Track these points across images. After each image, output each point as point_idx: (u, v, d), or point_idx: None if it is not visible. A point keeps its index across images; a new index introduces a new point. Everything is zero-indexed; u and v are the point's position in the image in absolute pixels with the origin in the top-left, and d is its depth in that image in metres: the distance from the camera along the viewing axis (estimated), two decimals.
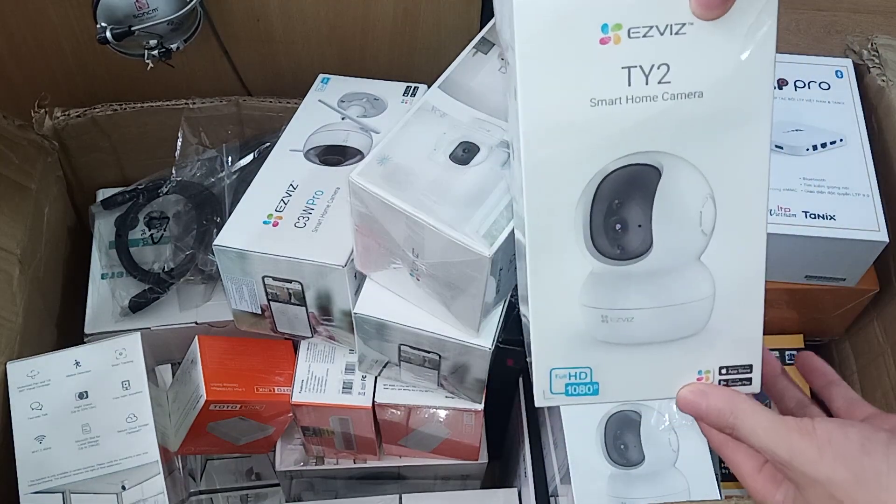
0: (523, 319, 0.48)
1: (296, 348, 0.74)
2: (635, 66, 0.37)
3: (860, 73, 0.81)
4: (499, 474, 0.91)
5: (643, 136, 0.38)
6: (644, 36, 0.37)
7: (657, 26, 0.37)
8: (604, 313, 0.41)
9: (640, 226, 0.40)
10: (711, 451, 0.66)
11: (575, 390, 0.43)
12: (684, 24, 0.36)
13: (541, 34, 0.37)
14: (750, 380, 0.43)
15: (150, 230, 0.85)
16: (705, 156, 0.38)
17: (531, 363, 0.44)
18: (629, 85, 0.38)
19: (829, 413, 0.46)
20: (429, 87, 0.60)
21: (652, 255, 0.40)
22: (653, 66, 0.37)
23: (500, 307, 0.61)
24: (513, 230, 0.50)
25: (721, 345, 0.42)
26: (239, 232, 0.64)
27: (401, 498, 0.74)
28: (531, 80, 0.38)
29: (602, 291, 0.41)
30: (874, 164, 0.73)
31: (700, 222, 0.39)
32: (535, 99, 0.38)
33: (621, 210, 0.40)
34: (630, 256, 0.41)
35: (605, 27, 0.37)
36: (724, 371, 0.42)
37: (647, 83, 0.37)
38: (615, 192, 0.39)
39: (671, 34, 0.37)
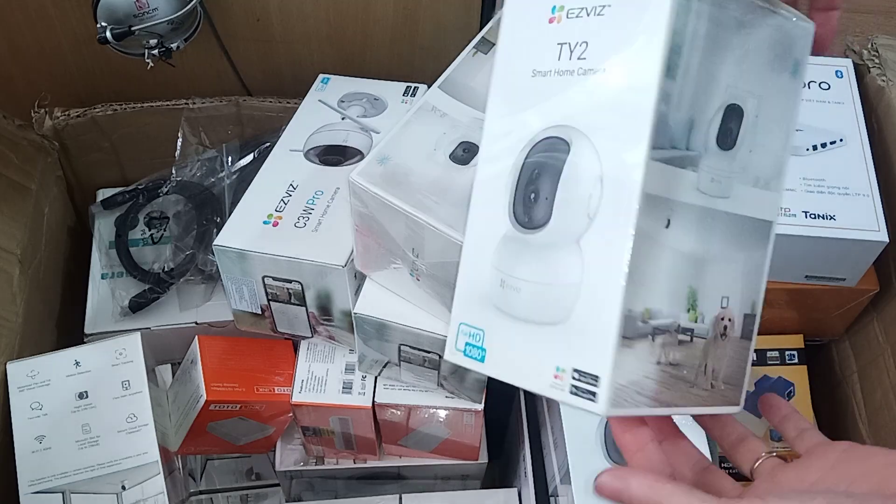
0: None
1: (296, 348, 0.74)
2: (565, 43, 0.40)
3: (860, 73, 0.81)
4: (499, 474, 0.91)
5: (562, 108, 0.40)
6: (577, 16, 0.40)
7: (586, 8, 0.39)
8: (503, 277, 0.42)
9: (546, 198, 0.40)
10: (710, 442, 0.65)
11: (469, 352, 0.43)
12: (605, 7, 0.39)
13: (519, 11, 0.43)
14: (595, 395, 0.37)
15: (150, 230, 0.85)
16: (601, 136, 0.38)
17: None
18: (558, 59, 0.40)
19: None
20: (429, 87, 0.61)
21: (547, 228, 0.40)
22: (577, 43, 0.40)
23: None
24: None
25: (577, 343, 0.39)
26: (239, 232, 0.64)
27: (401, 498, 0.74)
28: (505, 44, 0.43)
29: (506, 256, 0.42)
30: (874, 164, 0.73)
31: (588, 204, 0.39)
32: (507, 60, 0.43)
33: (537, 180, 0.41)
34: (532, 226, 0.41)
35: (553, 8, 0.41)
36: (576, 376, 0.38)
37: (570, 58, 0.40)
38: (536, 162, 0.41)
39: (595, 15, 0.39)
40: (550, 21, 0.41)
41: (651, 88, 0.37)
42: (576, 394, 0.38)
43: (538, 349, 0.40)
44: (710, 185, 0.40)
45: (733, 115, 0.41)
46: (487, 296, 0.42)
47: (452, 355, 0.43)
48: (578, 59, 0.40)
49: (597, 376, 0.37)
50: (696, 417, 0.46)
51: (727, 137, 0.41)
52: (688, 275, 0.40)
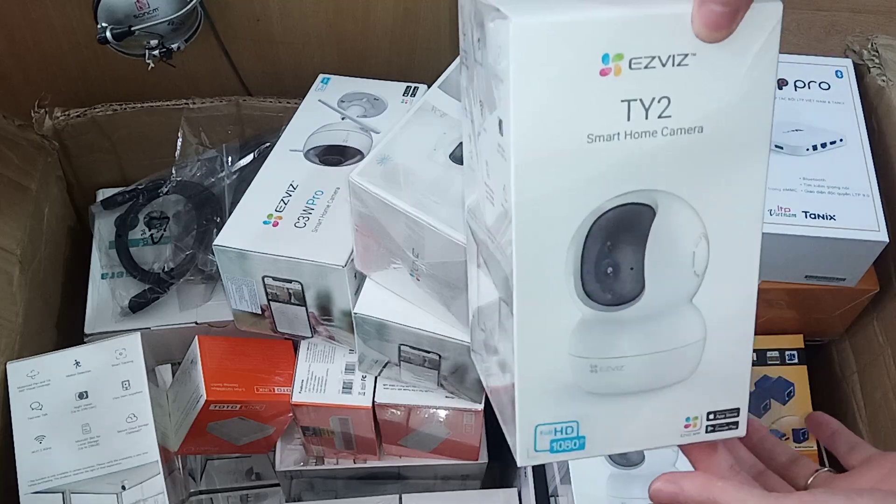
0: (484, 378, 0.46)
1: (296, 348, 0.74)
2: (635, 100, 0.35)
3: (860, 73, 0.81)
4: (499, 474, 0.91)
5: (639, 173, 0.36)
6: (646, 67, 0.34)
7: (659, 57, 0.34)
8: (593, 363, 0.39)
9: (632, 268, 0.38)
10: None
11: (560, 446, 0.40)
12: (687, 55, 0.34)
13: (539, 63, 0.34)
14: (737, 424, 0.41)
15: (150, 230, 0.85)
16: (700, 193, 0.37)
17: (513, 419, 0.40)
18: (628, 120, 0.35)
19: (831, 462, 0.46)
20: (429, 87, 0.61)
21: (644, 299, 0.38)
22: (653, 99, 0.35)
23: None
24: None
25: (709, 389, 0.40)
26: (239, 232, 0.64)
27: (401, 498, 0.74)
28: (526, 113, 0.35)
29: (592, 340, 0.39)
30: (874, 164, 0.73)
31: (693, 263, 0.37)
32: (530, 134, 0.35)
33: (613, 252, 0.37)
34: (622, 301, 0.38)
35: (605, 57, 0.34)
36: (711, 416, 0.40)
37: (646, 117, 0.35)
38: (608, 233, 0.37)
39: (673, 65, 0.34)
40: (603, 73, 0.35)
41: (765, 127, 0.36)
42: (713, 432, 0.41)
43: (658, 411, 0.40)
44: None
45: None
46: (574, 386, 0.39)
47: (532, 459, 0.40)
48: (659, 118, 0.35)
49: (736, 409, 0.40)
50: (747, 443, 0.47)
51: None
52: None
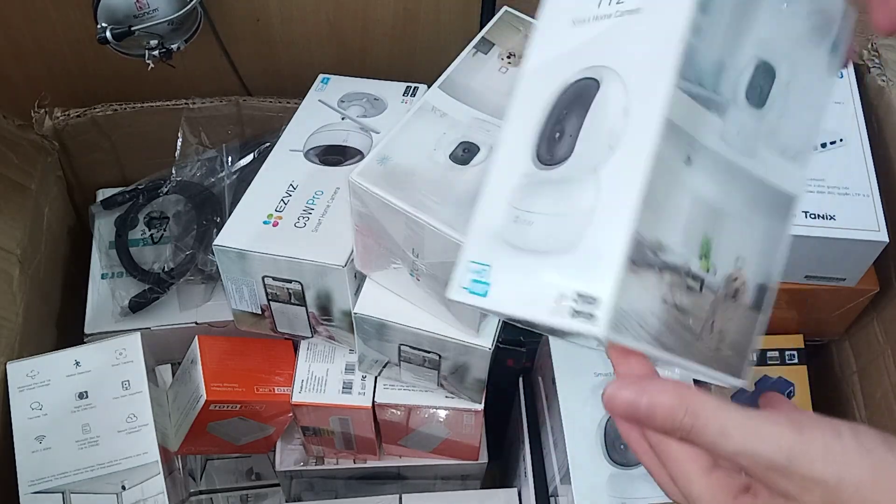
0: None
1: (296, 348, 0.74)
2: None
3: (860, 73, 0.81)
4: (499, 474, 0.91)
5: (597, 51, 0.41)
6: None
7: None
8: (517, 213, 0.41)
9: (570, 135, 0.40)
10: None
11: (473, 288, 0.42)
12: None
13: None
14: (594, 317, 0.35)
15: (150, 230, 0.85)
16: (631, 70, 0.39)
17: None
18: (598, 6, 0.41)
19: None
20: (429, 87, 0.61)
21: (568, 163, 0.40)
22: None
23: None
24: None
25: (584, 266, 0.37)
26: (239, 232, 0.64)
27: (401, 498, 0.74)
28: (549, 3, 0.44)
29: (524, 193, 0.41)
30: (874, 164, 0.73)
31: (610, 136, 0.38)
32: (545, 19, 0.44)
33: (564, 120, 0.41)
34: (553, 162, 0.41)
35: None
36: (577, 298, 0.36)
37: (609, 3, 0.41)
38: (566, 103, 0.41)
39: None
40: None
41: (683, 17, 0.37)
42: (576, 316, 0.36)
43: (543, 278, 0.38)
44: (736, 139, 0.40)
45: (766, 74, 0.41)
46: (499, 232, 0.41)
47: (456, 293, 0.42)
48: (617, 3, 0.40)
49: (597, 297, 0.36)
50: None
51: (757, 94, 0.41)
52: (704, 222, 0.39)
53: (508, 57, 0.62)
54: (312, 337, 0.71)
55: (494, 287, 0.41)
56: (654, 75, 0.38)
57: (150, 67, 0.76)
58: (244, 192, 0.67)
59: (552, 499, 0.73)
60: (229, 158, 0.82)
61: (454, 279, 0.42)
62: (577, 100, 0.40)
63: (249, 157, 0.82)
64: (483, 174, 0.44)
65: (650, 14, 0.39)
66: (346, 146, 0.70)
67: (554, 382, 0.70)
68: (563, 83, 0.41)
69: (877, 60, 0.80)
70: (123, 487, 0.65)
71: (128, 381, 0.68)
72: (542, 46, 0.44)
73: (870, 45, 0.81)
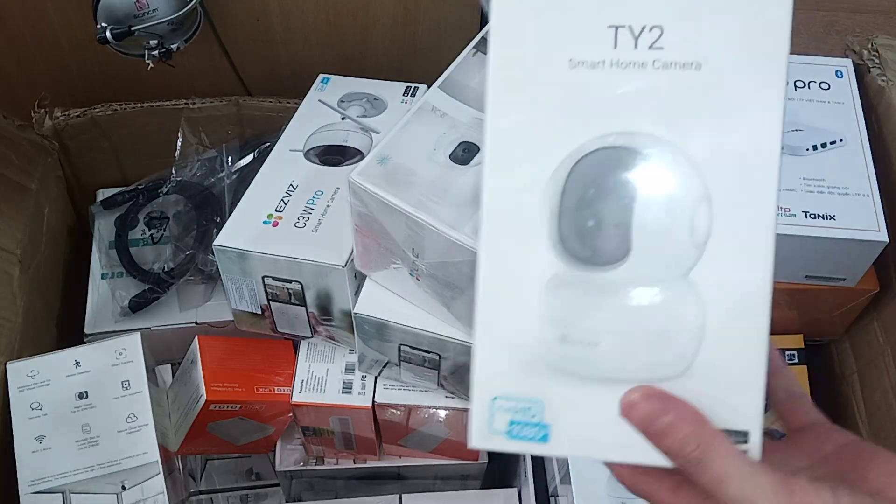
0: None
1: (296, 348, 0.74)
2: (623, 26, 0.32)
3: (860, 73, 0.81)
4: (499, 474, 0.91)
5: (628, 111, 0.32)
6: None
7: None
8: (564, 331, 0.33)
9: (616, 225, 0.32)
10: None
11: (520, 432, 0.33)
12: None
13: None
14: (745, 452, 0.32)
15: (150, 230, 0.85)
16: (700, 143, 0.31)
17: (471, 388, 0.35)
18: (615, 47, 0.32)
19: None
20: (429, 87, 0.61)
21: (629, 262, 0.32)
22: (644, 27, 0.31)
23: None
24: None
25: (709, 397, 0.32)
26: (239, 232, 0.64)
27: (401, 498, 0.74)
28: (505, 31, 0.33)
29: (565, 301, 0.33)
30: (874, 164, 0.73)
31: (691, 229, 0.32)
32: (508, 54, 0.33)
33: (597, 202, 0.32)
34: (603, 261, 0.33)
35: None
36: None
37: (636, 46, 0.32)
38: (592, 178, 0.32)
39: None
40: None
41: (780, 77, 0.31)
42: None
43: None
44: None
45: None
46: (540, 356, 0.33)
47: (486, 440, 0.33)
48: (651, 48, 0.32)
49: (746, 432, 0.32)
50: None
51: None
52: None
53: None
54: (312, 337, 0.71)
55: (559, 428, 0.33)
56: (744, 150, 0.31)
57: (149, 67, 0.76)
58: (244, 192, 0.67)
59: (552, 499, 0.73)
60: (229, 158, 0.82)
61: (478, 422, 0.34)
62: (613, 176, 0.32)
63: (249, 157, 0.82)
64: (476, 262, 0.34)
65: (718, 74, 0.31)
66: (346, 146, 0.70)
67: None
68: (575, 150, 0.33)
69: (877, 60, 0.80)
70: (123, 487, 0.65)
71: (128, 381, 0.68)
72: (524, 89, 0.33)
73: (870, 45, 0.81)
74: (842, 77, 0.80)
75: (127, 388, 0.68)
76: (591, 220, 0.33)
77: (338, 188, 0.67)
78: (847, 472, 0.35)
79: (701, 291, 0.32)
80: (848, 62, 0.81)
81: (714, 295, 0.32)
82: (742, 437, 0.32)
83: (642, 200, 0.32)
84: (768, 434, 0.36)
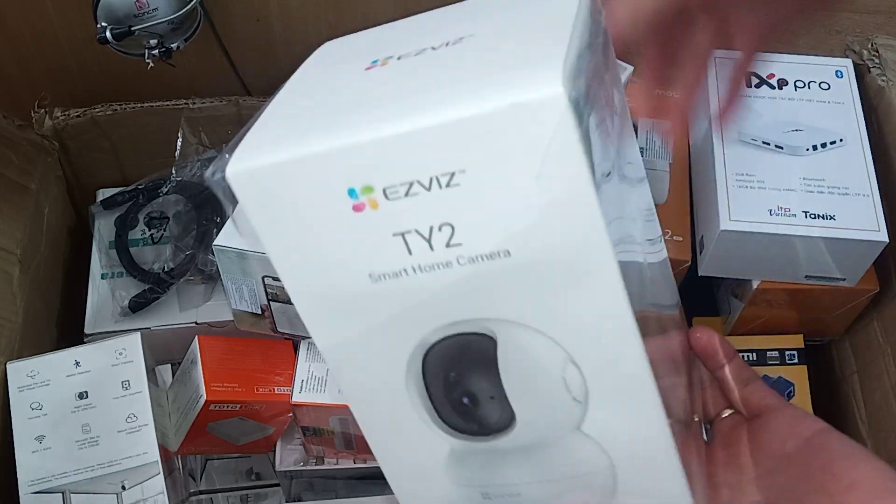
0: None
1: (296, 348, 0.74)
2: (409, 231, 0.29)
3: (860, 73, 0.81)
4: None
5: (455, 305, 0.31)
6: (407, 195, 0.29)
7: (419, 181, 0.28)
8: (484, 489, 0.34)
9: (492, 397, 0.32)
10: None
11: None
12: (453, 174, 0.28)
13: (274, 210, 0.30)
14: None
15: (150, 230, 0.85)
16: (543, 317, 0.31)
17: None
18: (410, 254, 0.30)
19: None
20: None
21: (518, 428, 0.33)
22: (431, 227, 0.29)
23: None
24: None
25: None
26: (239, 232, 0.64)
27: None
28: (287, 262, 0.32)
29: (474, 468, 0.34)
30: (874, 164, 0.73)
31: (567, 388, 0.32)
32: (301, 280, 0.32)
33: (462, 383, 0.32)
34: (492, 431, 0.33)
35: (352, 192, 0.29)
36: None
37: (431, 248, 0.30)
38: (447, 365, 0.32)
39: (441, 187, 0.28)
40: (357, 209, 0.29)
41: (596, 233, 0.28)
42: None
43: None
44: None
45: None
46: None
47: None
48: (447, 247, 0.29)
49: None
50: (698, 348, 0.43)
51: None
52: None
53: None
54: None
55: None
56: (602, 323, 0.30)
57: (149, 67, 0.76)
58: None
59: None
60: None
61: None
62: (466, 359, 0.32)
63: None
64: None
65: (535, 259, 0.29)
66: None
67: None
68: (417, 344, 0.32)
69: (877, 60, 0.80)
70: (123, 487, 0.65)
71: (128, 381, 0.68)
72: (330, 308, 0.32)
73: (870, 45, 0.81)
74: (842, 77, 0.80)
75: (127, 388, 0.68)
76: (464, 398, 0.33)
77: None
78: (811, 487, 0.35)
79: (600, 440, 0.33)
80: (848, 62, 0.81)
81: (613, 441, 0.33)
82: None
83: (505, 373, 0.32)
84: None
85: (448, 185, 0.28)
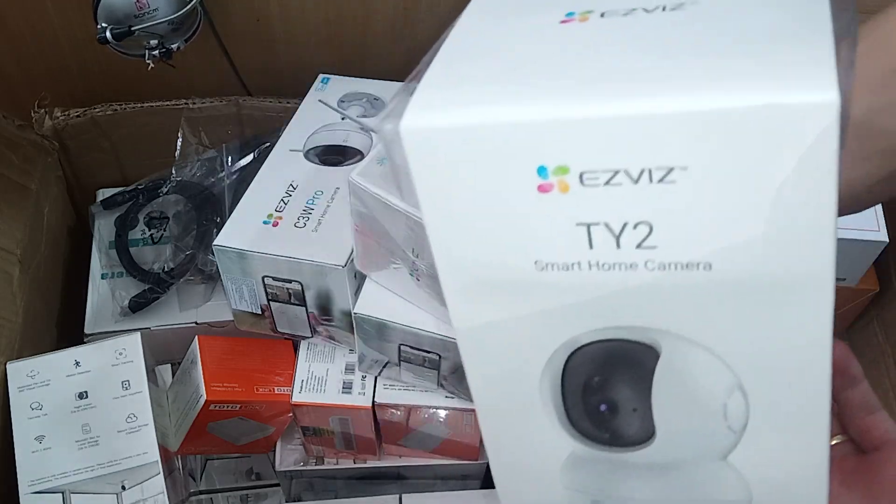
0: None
1: (296, 348, 0.74)
2: (597, 224, 0.26)
3: None
4: None
5: (623, 310, 0.28)
6: (607, 183, 0.25)
7: (627, 171, 0.25)
8: (596, 497, 0.32)
9: (634, 409, 0.30)
10: None
11: None
12: (672, 170, 0.24)
13: (450, 179, 0.27)
14: None
15: (150, 230, 0.85)
16: (726, 339, 0.27)
17: None
18: (591, 247, 0.27)
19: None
20: None
21: (656, 444, 0.30)
22: (625, 224, 0.26)
23: None
24: None
25: None
26: (239, 232, 0.64)
27: (401, 498, 0.74)
28: (445, 237, 0.28)
29: (592, 475, 0.32)
30: None
31: (725, 416, 0.29)
32: (454, 259, 0.29)
33: (605, 389, 0.30)
34: (625, 443, 0.31)
35: (542, 170, 0.25)
36: None
37: (618, 246, 0.26)
38: (593, 368, 0.30)
39: (651, 182, 0.25)
40: (543, 189, 0.26)
41: (828, 263, 0.25)
42: None
43: None
44: None
45: None
46: None
47: None
48: (638, 248, 0.26)
49: None
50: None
51: None
52: None
53: None
54: (312, 337, 0.71)
55: None
56: (794, 356, 0.27)
57: (150, 67, 0.76)
58: (244, 192, 0.67)
59: None
60: (229, 158, 0.82)
61: None
62: (618, 366, 0.30)
63: (249, 157, 0.82)
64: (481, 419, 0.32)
65: (737, 274, 0.26)
66: (346, 146, 0.70)
67: None
68: (566, 342, 0.30)
69: None
70: (123, 487, 0.65)
71: (128, 381, 0.68)
72: (480, 293, 0.29)
73: None
74: None
75: (127, 388, 0.68)
76: (602, 405, 0.31)
77: (338, 188, 0.67)
78: None
79: (745, 473, 0.30)
80: None
81: (761, 476, 0.30)
82: None
83: (659, 387, 0.29)
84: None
85: (661, 180, 0.24)
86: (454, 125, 0.25)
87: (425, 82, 0.27)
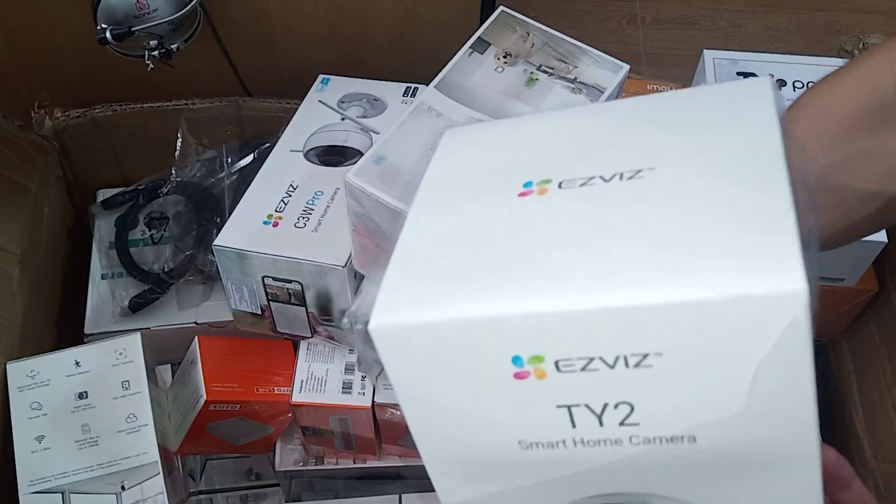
0: None
1: (296, 348, 0.74)
2: (578, 405, 0.26)
3: None
4: None
5: (613, 479, 0.28)
6: (583, 369, 0.25)
7: (602, 358, 0.25)
8: None
9: None
10: None
11: None
12: (646, 356, 0.25)
13: (424, 371, 0.27)
14: None
15: (150, 230, 0.85)
16: (713, 499, 0.28)
17: None
18: (574, 426, 0.27)
19: None
20: None
21: None
22: (606, 404, 0.26)
23: None
24: None
25: None
26: (239, 232, 0.64)
27: (401, 498, 0.74)
28: (425, 425, 0.29)
29: None
30: None
31: None
32: (436, 446, 0.29)
33: None
34: None
35: (517, 360, 0.26)
36: None
37: (601, 424, 0.27)
38: None
39: (628, 367, 0.25)
40: (520, 377, 0.26)
41: (811, 431, 0.25)
42: None
43: None
44: None
45: None
46: None
47: None
48: (622, 425, 0.26)
49: None
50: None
51: None
52: None
53: (504, 57, 0.62)
54: (312, 337, 0.71)
55: None
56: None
57: (149, 68, 0.76)
58: (244, 192, 0.67)
59: None
60: (229, 159, 0.82)
61: None
62: None
63: (249, 158, 0.83)
64: None
65: (724, 450, 0.26)
66: (345, 146, 0.70)
67: None
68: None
69: None
70: (123, 487, 0.65)
71: (128, 381, 0.68)
72: (465, 470, 0.30)
73: (861, 45, 0.81)
74: None
75: (127, 388, 0.68)
76: None
77: (338, 188, 0.67)
78: None
79: None
80: (842, 62, 0.81)
81: None
82: None
83: None
84: None
85: (637, 365, 0.25)
86: (424, 321, 0.26)
87: (390, 276, 0.28)
